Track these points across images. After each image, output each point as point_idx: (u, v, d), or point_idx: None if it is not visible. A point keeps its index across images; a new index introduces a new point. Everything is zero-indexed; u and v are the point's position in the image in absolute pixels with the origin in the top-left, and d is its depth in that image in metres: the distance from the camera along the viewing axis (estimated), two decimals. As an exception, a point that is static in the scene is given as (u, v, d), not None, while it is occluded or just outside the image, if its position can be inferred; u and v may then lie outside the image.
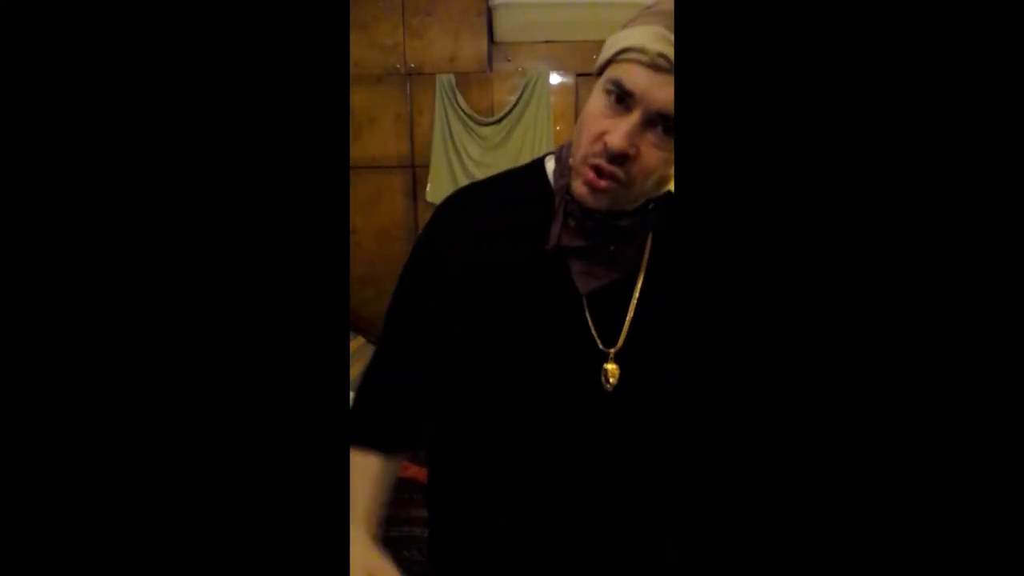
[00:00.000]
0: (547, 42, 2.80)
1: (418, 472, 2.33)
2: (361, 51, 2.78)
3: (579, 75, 2.77)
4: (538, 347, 0.68)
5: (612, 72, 0.62)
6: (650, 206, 0.69)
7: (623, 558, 0.69)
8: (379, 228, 2.90)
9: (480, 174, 2.81)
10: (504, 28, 2.83)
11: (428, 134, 2.81)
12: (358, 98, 2.78)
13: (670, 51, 0.58)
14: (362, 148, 2.83)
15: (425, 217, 3.03)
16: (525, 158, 2.76)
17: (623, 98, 0.62)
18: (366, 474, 0.74)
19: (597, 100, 0.64)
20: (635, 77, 0.60)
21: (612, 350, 0.68)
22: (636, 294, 0.70)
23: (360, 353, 2.61)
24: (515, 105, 2.75)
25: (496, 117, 2.77)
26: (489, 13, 2.80)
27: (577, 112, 2.76)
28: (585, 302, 0.68)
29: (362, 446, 0.74)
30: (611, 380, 0.67)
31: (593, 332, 0.68)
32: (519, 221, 0.70)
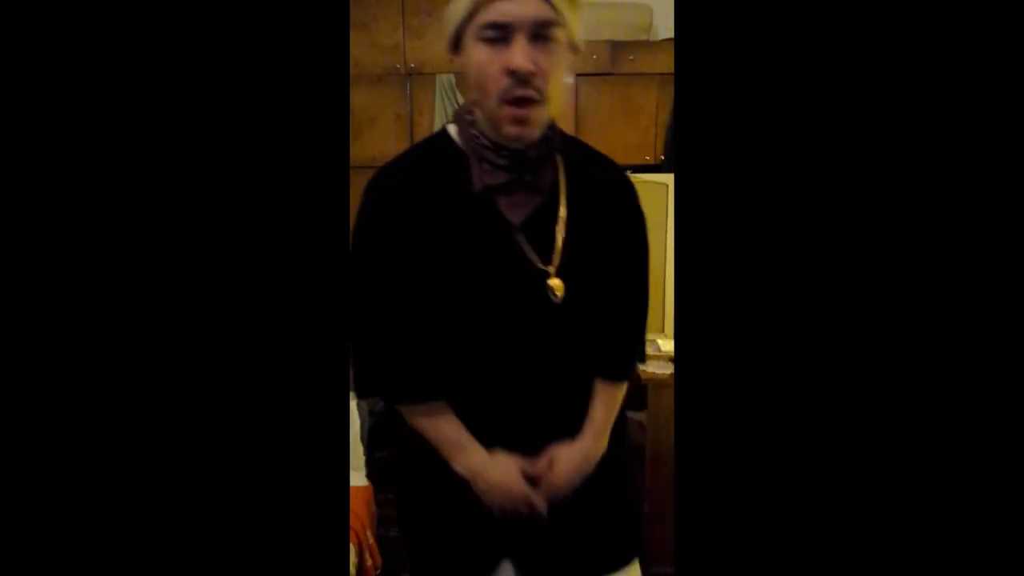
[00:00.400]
0: (547, 42, 2.80)
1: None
2: (361, 51, 2.78)
3: (579, 75, 2.77)
4: (488, 276, 0.77)
5: (479, 23, 0.69)
6: (550, 133, 0.78)
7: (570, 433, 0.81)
8: (379, 228, 2.91)
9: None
10: (504, 28, 2.84)
11: (428, 134, 2.81)
12: (358, 98, 2.78)
13: None
14: (362, 148, 2.83)
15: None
16: (525, 158, 2.75)
17: (501, 34, 0.69)
18: (438, 414, 0.80)
19: (478, 53, 0.70)
20: (501, 10, 0.68)
21: (552, 268, 0.78)
22: (561, 216, 0.79)
23: (360, 353, 2.61)
24: (515, 105, 2.75)
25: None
26: (489, 13, 2.81)
27: (577, 112, 2.76)
28: (519, 231, 0.77)
29: (426, 400, 0.81)
30: (558, 293, 0.77)
31: (530, 256, 0.77)
32: (444, 180, 0.78)
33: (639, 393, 1.77)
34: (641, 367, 1.75)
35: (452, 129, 0.83)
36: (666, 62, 2.74)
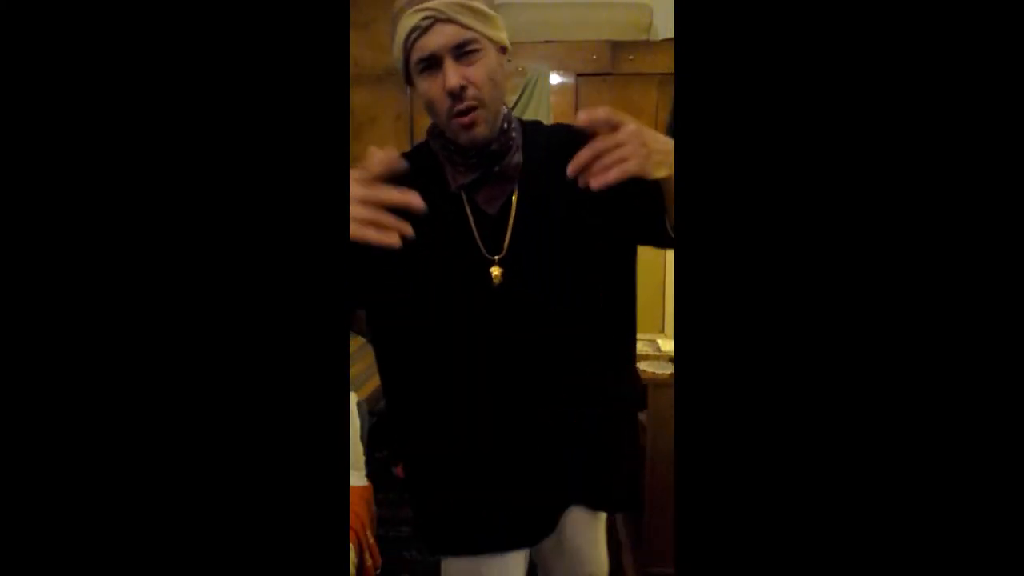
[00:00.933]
0: (547, 42, 2.80)
1: (418, 472, 2.34)
2: (361, 51, 2.78)
3: (579, 75, 2.76)
4: (443, 264, 0.89)
5: (413, 61, 0.82)
6: (505, 126, 0.88)
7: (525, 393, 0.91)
8: (379, 228, 2.90)
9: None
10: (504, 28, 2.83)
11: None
12: (358, 98, 2.78)
13: (421, 12, 0.78)
14: (362, 147, 2.83)
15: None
16: (525, 158, 2.74)
17: (433, 63, 0.81)
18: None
19: (421, 84, 0.83)
20: (424, 46, 0.80)
21: (497, 257, 0.89)
22: (512, 212, 0.89)
23: (360, 353, 2.61)
24: (515, 105, 2.74)
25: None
26: (489, 13, 2.81)
27: (577, 112, 2.76)
28: (473, 224, 0.88)
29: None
30: (495, 280, 0.88)
31: (480, 245, 0.88)
32: (426, 182, 0.84)
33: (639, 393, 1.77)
34: (641, 367, 1.75)
35: (433, 144, 0.93)
36: (666, 62, 2.74)
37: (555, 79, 2.76)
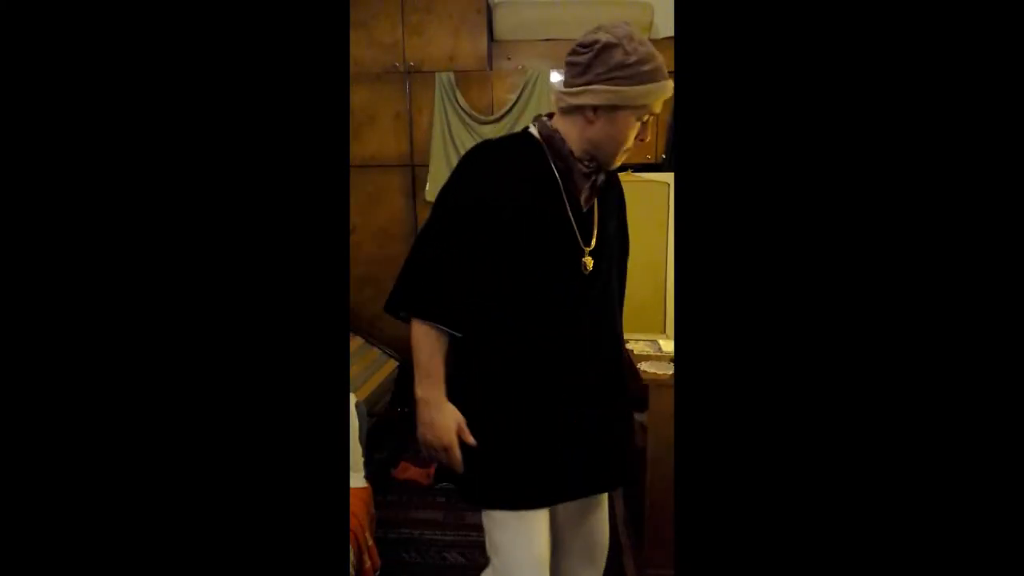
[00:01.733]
0: (547, 40, 2.79)
1: (417, 474, 2.33)
2: (360, 49, 2.77)
3: (579, 74, 2.76)
4: (548, 250, 1.07)
5: (641, 106, 1.04)
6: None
7: (603, 368, 1.13)
8: (378, 227, 2.89)
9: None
10: (504, 26, 2.82)
11: (427, 133, 2.80)
12: (357, 96, 2.78)
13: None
14: (361, 147, 2.82)
15: (424, 217, 3.03)
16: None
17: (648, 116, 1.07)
18: (436, 344, 1.07)
19: (629, 124, 1.05)
20: (657, 107, 1.07)
21: (588, 248, 1.09)
22: (596, 215, 1.11)
23: (360, 353, 2.60)
24: (515, 103, 2.75)
25: (496, 115, 2.76)
26: (489, 11, 2.80)
27: (577, 111, 2.75)
28: (573, 219, 1.08)
29: (429, 321, 1.07)
30: (588, 267, 1.08)
31: (579, 238, 1.08)
32: (529, 168, 1.08)
33: (640, 393, 1.77)
34: (642, 368, 1.75)
35: (533, 130, 1.11)
36: (666, 61, 2.73)
37: (555, 77, 2.76)
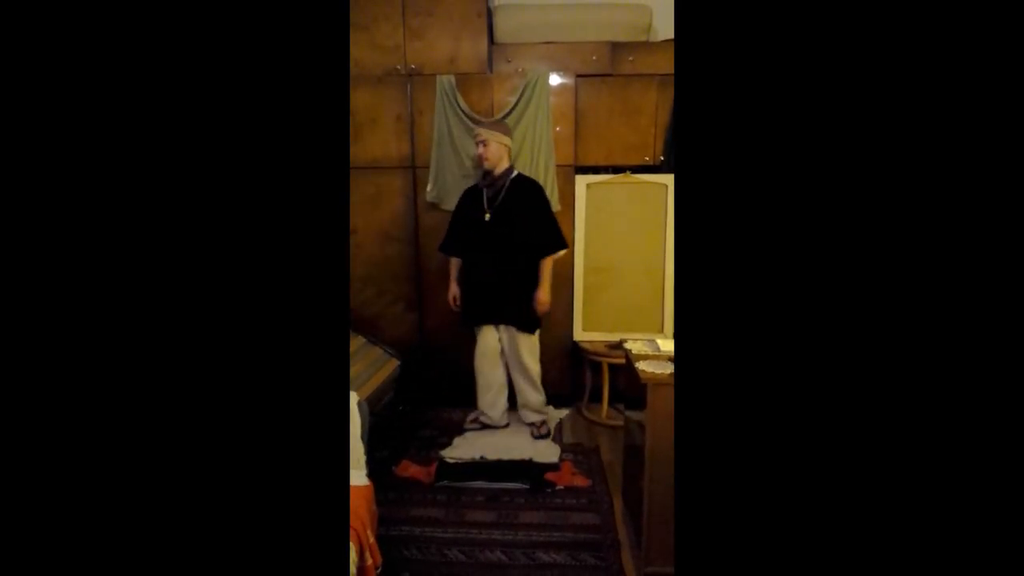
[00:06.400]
0: (547, 43, 2.81)
1: (418, 472, 2.35)
2: (362, 52, 2.78)
3: (579, 76, 2.77)
4: (471, 216, 2.66)
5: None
6: (505, 170, 2.63)
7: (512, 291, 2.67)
8: (379, 229, 2.91)
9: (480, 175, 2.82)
10: (504, 29, 2.84)
11: (428, 135, 2.81)
12: (359, 99, 2.79)
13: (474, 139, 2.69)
14: (363, 149, 2.84)
15: (424, 218, 3.01)
16: (524, 159, 2.76)
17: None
18: (455, 265, 2.76)
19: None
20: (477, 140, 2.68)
21: (488, 211, 2.61)
22: (499, 199, 2.61)
23: (361, 352, 2.61)
24: (515, 106, 2.76)
25: (496, 118, 2.77)
26: (489, 14, 2.81)
27: (577, 112, 2.78)
28: (485, 201, 2.63)
29: (450, 255, 2.75)
30: (487, 217, 2.60)
31: (485, 208, 2.62)
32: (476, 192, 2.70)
33: (638, 393, 1.78)
34: (640, 367, 1.76)
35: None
36: (665, 63, 2.75)
37: (555, 80, 2.77)
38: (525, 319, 2.63)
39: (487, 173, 2.55)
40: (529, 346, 2.68)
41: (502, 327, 2.65)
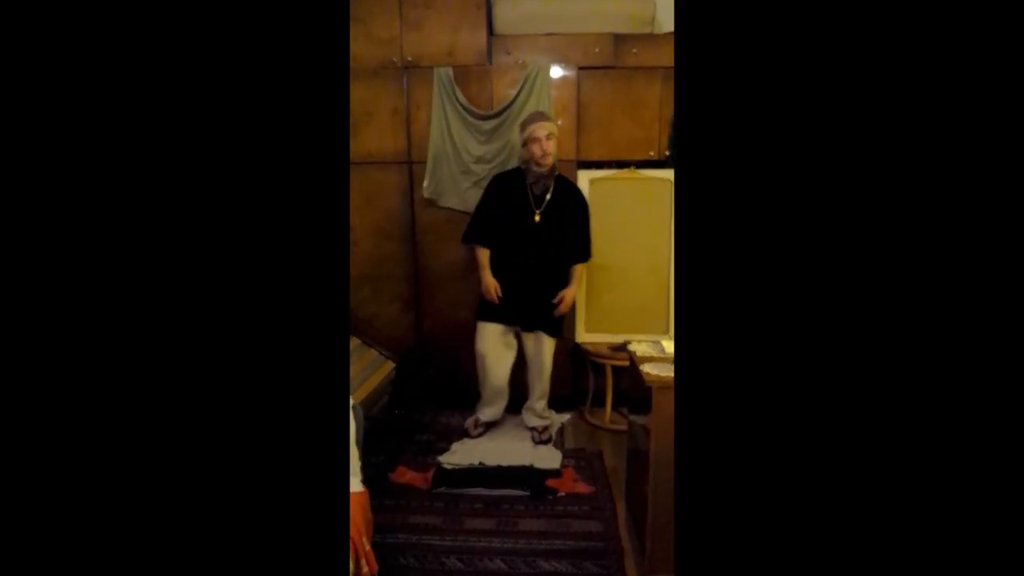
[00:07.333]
0: (548, 34, 2.74)
1: (415, 478, 2.29)
2: (358, 45, 2.71)
3: (581, 68, 2.71)
4: (516, 213, 2.53)
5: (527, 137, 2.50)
6: (551, 167, 2.49)
7: (547, 292, 2.57)
8: (375, 226, 2.84)
9: (479, 170, 2.75)
10: (504, 20, 2.77)
11: (425, 129, 2.74)
12: (354, 93, 2.72)
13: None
14: (358, 144, 2.77)
15: (421, 215, 2.95)
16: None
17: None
18: (485, 255, 2.54)
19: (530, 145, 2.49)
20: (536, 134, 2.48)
21: (538, 212, 2.49)
22: (547, 199, 2.50)
23: (356, 354, 2.55)
24: (515, 98, 2.69)
25: (496, 111, 2.71)
26: (488, 5, 2.74)
27: (579, 105, 2.72)
28: (533, 201, 2.50)
29: (481, 245, 2.54)
30: (536, 219, 2.48)
31: (534, 208, 2.49)
32: (514, 177, 2.58)
33: (643, 396, 1.72)
34: (645, 370, 1.71)
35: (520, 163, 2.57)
36: (670, 55, 2.68)
37: (557, 72, 2.71)
38: (558, 325, 2.57)
39: (537, 170, 2.38)
40: (552, 349, 2.62)
41: (531, 332, 2.55)
